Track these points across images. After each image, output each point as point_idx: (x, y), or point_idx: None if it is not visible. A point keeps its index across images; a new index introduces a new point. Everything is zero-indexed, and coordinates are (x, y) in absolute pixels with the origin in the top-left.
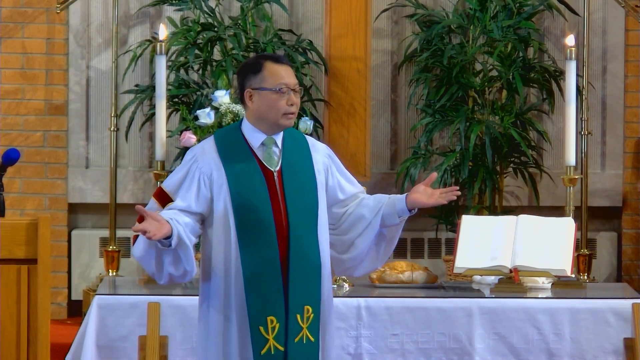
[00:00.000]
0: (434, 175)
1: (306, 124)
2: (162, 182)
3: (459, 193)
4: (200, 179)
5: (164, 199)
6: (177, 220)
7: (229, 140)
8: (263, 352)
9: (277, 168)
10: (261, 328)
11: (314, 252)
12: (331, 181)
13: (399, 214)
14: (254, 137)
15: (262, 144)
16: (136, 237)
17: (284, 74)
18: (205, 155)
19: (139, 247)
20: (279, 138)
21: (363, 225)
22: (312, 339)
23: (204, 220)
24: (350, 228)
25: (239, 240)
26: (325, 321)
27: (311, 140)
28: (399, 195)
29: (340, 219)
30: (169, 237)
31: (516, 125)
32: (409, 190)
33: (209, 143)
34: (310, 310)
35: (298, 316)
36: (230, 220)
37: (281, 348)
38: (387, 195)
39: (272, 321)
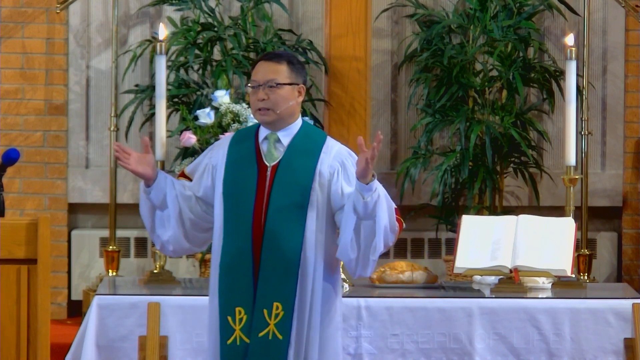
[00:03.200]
0: (379, 136)
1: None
2: None
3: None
4: (207, 167)
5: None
6: (175, 185)
7: (244, 134)
8: (229, 341)
9: (274, 163)
10: (229, 318)
11: (292, 249)
12: (335, 186)
13: (358, 189)
14: (262, 132)
15: (265, 138)
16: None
17: (258, 70)
18: (220, 146)
19: (140, 200)
20: (285, 135)
21: (341, 216)
22: (279, 336)
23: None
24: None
25: (223, 229)
26: (306, 322)
27: (330, 143)
28: None
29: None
30: (149, 185)
31: (516, 125)
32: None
33: (230, 136)
34: (280, 307)
35: (265, 311)
36: (220, 208)
37: (247, 340)
38: None
39: (240, 312)
